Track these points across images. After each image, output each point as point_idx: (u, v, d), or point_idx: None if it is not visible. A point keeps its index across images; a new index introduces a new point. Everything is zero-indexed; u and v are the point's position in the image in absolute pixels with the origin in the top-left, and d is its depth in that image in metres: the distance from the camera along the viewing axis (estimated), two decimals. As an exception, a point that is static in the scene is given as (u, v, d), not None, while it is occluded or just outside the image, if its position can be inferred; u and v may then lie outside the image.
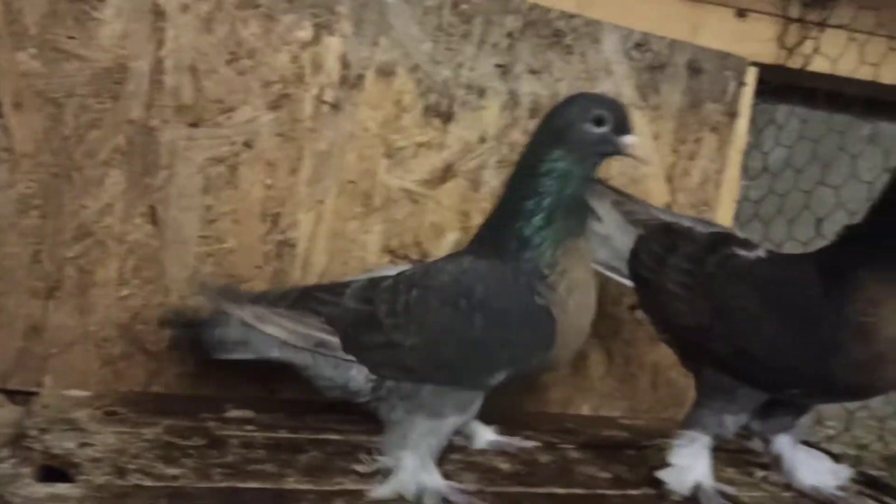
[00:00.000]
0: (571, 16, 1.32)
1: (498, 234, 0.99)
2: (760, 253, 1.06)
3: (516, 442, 1.16)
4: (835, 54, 1.38)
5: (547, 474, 1.04)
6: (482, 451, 1.11)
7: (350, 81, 1.23)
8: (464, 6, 1.26)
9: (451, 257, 1.05)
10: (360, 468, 0.96)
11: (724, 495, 1.02)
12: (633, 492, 1.02)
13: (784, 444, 1.10)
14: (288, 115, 1.20)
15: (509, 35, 1.29)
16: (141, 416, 1.06)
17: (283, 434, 1.06)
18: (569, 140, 0.99)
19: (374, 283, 1.00)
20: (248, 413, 1.13)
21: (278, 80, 1.19)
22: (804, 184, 1.48)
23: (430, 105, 1.27)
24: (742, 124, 1.46)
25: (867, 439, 1.29)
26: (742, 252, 1.06)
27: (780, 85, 1.51)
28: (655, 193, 1.40)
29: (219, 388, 1.21)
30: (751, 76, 1.45)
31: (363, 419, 1.15)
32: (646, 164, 1.11)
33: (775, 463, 1.12)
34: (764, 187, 1.56)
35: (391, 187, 1.26)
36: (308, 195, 1.23)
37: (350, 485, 0.92)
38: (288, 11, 1.19)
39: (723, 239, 1.09)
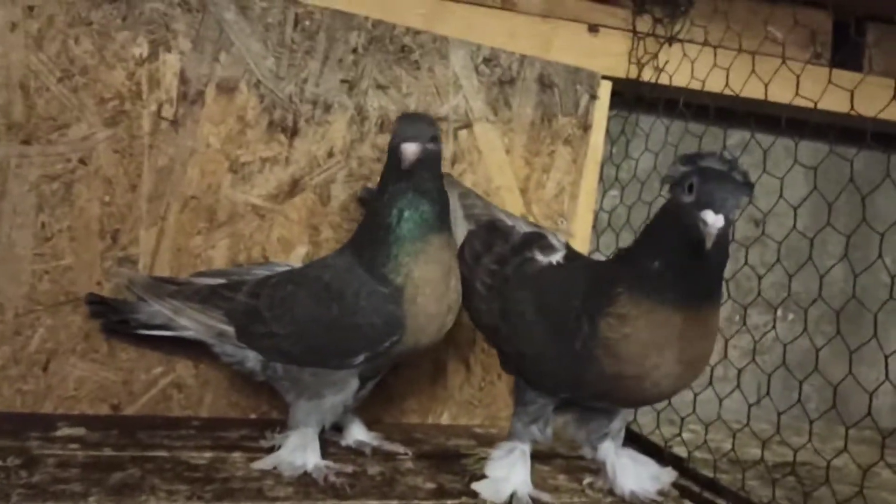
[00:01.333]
0: (418, 32, 1.34)
1: (358, 245, 1.12)
2: (555, 259, 1.09)
3: (387, 445, 1.22)
4: (672, 68, 1.42)
5: (366, 486, 1.06)
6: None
7: (190, 97, 1.23)
8: (306, 22, 1.28)
9: (323, 258, 1.19)
10: (263, 442, 1.15)
11: (538, 503, 1.04)
12: (450, 501, 1.04)
13: (608, 450, 1.13)
14: (125, 131, 1.21)
15: (354, 51, 1.30)
16: (-36, 437, 1.05)
17: (107, 452, 1.06)
18: (389, 158, 1.09)
19: (264, 280, 1.15)
20: (79, 431, 1.13)
21: (114, 96, 1.20)
22: (647, 195, 1.52)
23: (275, 120, 1.28)
24: (597, 137, 1.49)
25: (725, 442, 1.32)
26: (539, 256, 1.09)
27: (636, 97, 1.54)
28: (510, 205, 1.42)
29: (59, 406, 1.20)
30: (604, 90, 1.49)
31: (198, 435, 1.17)
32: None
33: (602, 469, 1.15)
34: (616, 197, 1.60)
35: (236, 202, 1.27)
36: (149, 211, 1.23)
37: (154, 502, 0.93)
38: (122, 29, 1.19)
39: (530, 241, 1.12)
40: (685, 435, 1.36)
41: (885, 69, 1.63)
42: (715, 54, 1.34)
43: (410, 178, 1.06)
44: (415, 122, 1.07)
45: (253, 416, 1.30)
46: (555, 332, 1.00)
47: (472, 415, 1.45)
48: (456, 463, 1.18)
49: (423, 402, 1.42)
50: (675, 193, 0.93)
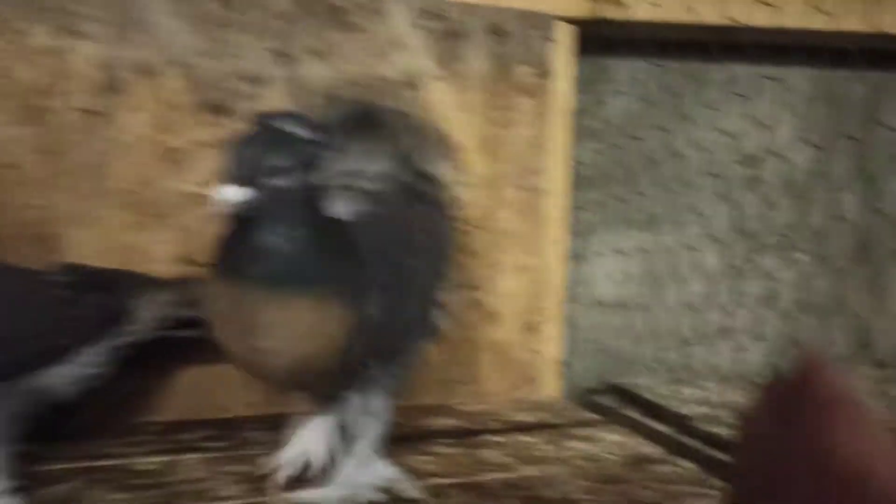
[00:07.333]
0: (349, -9, 1.25)
1: None
2: None
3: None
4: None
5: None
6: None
7: (110, 86, 1.16)
8: (227, -7, 1.20)
9: None
10: None
11: None
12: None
13: None
14: (46, 130, 1.14)
15: (281, 18, 1.22)
16: None
17: (53, 466, 1.01)
18: None
19: None
20: (30, 447, 1.07)
21: (29, 93, 1.13)
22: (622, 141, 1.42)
23: (204, 101, 1.20)
24: (561, 84, 1.39)
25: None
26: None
27: (600, 39, 1.44)
28: (471, 164, 1.33)
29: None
30: (563, 32, 1.38)
31: (157, 439, 1.12)
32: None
33: None
34: (593, 149, 1.50)
35: (174, 192, 1.20)
36: (82, 211, 1.16)
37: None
38: (30, 21, 1.12)
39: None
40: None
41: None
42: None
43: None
44: (248, 148, 0.74)
45: (229, 416, 1.24)
46: None
47: (457, 393, 1.37)
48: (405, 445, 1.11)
49: (402, 383, 1.35)
50: None
